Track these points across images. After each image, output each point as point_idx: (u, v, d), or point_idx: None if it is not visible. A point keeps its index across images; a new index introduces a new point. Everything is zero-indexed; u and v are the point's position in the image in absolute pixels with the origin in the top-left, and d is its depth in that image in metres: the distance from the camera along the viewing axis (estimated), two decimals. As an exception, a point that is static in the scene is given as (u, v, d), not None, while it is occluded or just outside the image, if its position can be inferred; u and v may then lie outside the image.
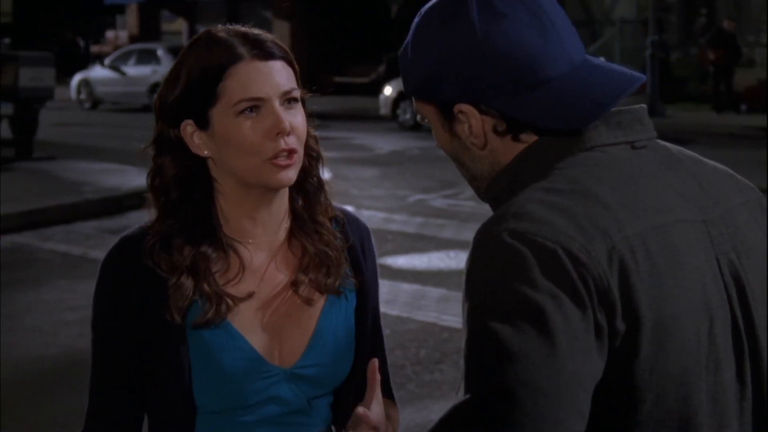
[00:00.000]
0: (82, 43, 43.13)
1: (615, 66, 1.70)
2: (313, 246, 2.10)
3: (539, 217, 1.51)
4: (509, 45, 1.61)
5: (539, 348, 1.44)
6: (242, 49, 1.98)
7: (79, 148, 18.02)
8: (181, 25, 39.29)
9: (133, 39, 37.29)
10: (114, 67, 29.10)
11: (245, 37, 2.01)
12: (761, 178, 11.90)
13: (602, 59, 1.74)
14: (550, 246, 1.49)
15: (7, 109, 16.24)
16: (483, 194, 1.72)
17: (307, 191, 2.11)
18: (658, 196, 1.59)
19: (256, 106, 1.97)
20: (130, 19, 39.50)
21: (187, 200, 2.04)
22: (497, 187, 1.67)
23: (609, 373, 1.50)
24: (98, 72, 29.54)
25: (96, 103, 29.42)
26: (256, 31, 2.04)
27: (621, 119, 1.65)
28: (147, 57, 28.76)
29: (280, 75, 2.00)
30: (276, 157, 1.98)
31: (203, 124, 2.01)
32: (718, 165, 1.77)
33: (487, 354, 1.47)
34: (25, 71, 16.12)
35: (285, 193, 2.09)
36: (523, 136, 1.64)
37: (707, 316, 1.56)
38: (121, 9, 40.51)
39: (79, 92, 29.68)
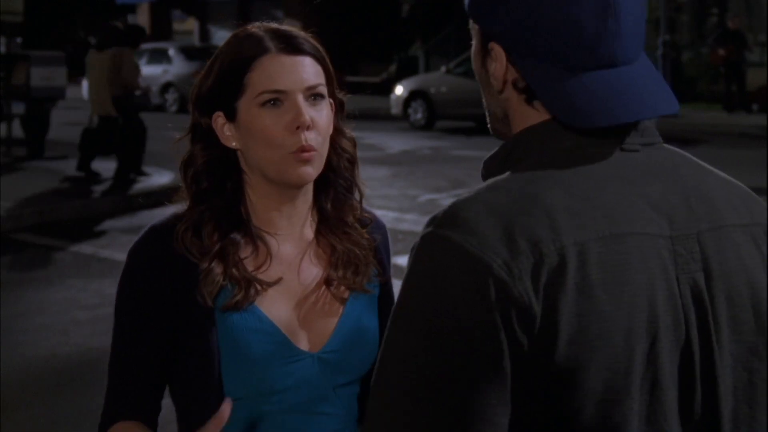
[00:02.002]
0: (93, 42, 43.24)
1: (660, 83, 1.63)
2: (342, 245, 2.15)
3: (472, 226, 1.49)
4: (561, 17, 1.56)
5: (437, 369, 1.46)
6: (270, 43, 2.04)
7: (91, 147, 18.04)
8: (192, 24, 39.34)
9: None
10: (125, 67, 29.14)
11: (276, 33, 2.07)
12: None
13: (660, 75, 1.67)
14: (473, 260, 1.47)
15: (19, 108, 16.27)
16: (484, 165, 1.69)
17: (336, 192, 2.16)
18: (619, 205, 1.53)
19: (278, 99, 2.03)
20: (142, 18, 39.56)
21: (218, 190, 2.09)
22: (489, 171, 1.65)
23: (529, 387, 1.47)
24: (110, 71, 29.58)
25: (107, 102, 29.45)
26: (289, 27, 2.10)
27: None
28: (158, 57, 28.78)
29: (306, 70, 2.05)
30: (298, 151, 2.02)
31: (231, 115, 2.07)
32: (735, 182, 1.69)
33: (393, 367, 1.50)
34: (37, 71, 16.15)
35: (309, 189, 2.13)
36: (537, 104, 1.61)
37: (649, 335, 1.51)
38: (132, 9, 40.59)
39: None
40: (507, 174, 1.57)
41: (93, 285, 8.90)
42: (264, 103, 2.03)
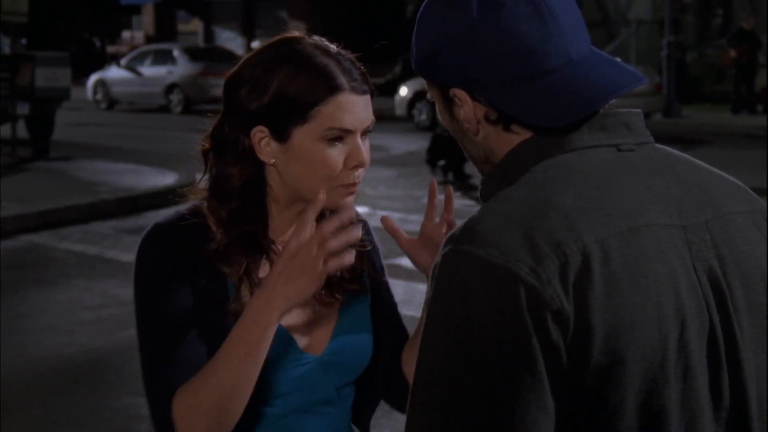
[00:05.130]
0: (98, 43, 43.25)
1: (620, 64, 1.69)
2: None
3: (492, 238, 1.49)
4: (502, 36, 1.61)
5: (475, 392, 1.47)
6: (343, 79, 2.02)
7: (96, 148, 18.07)
8: (196, 25, 39.37)
9: (149, 39, 37.40)
10: (130, 68, 29.16)
11: (342, 65, 2.04)
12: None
13: (617, 59, 1.73)
14: (500, 270, 1.48)
15: (24, 109, 16.28)
16: (482, 186, 1.71)
17: None
18: (630, 200, 1.56)
19: (341, 137, 2.02)
20: (146, 19, 39.61)
21: (248, 208, 2.08)
22: (488, 190, 1.67)
23: (568, 390, 1.48)
24: (114, 72, 29.61)
25: (112, 103, 29.49)
26: (344, 55, 2.07)
27: (606, 122, 1.63)
28: (163, 57, 28.80)
29: (367, 110, 2.06)
30: (349, 185, 2.04)
31: (281, 136, 2.03)
32: (726, 175, 1.73)
33: (430, 387, 1.50)
34: (42, 71, 16.15)
35: None
36: (515, 128, 1.64)
37: (678, 323, 1.53)
38: (137, 9, 40.62)
39: (95, 92, 29.76)
40: (510, 187, 1.58)
41: (98, 286, 8.91)
42: (328, 139, 2.01)
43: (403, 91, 22.87)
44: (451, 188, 2.27)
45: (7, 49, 16.91)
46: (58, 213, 11.99)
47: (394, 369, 2.26)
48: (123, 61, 29.92)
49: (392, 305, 2.30)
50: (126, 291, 8.45)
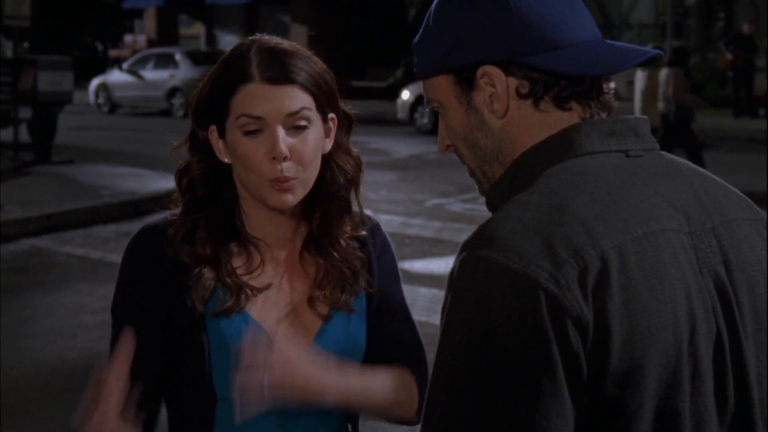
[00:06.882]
0: (100, 47, 43.29)
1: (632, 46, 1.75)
2: (326, 262, 2.16)
3: (511, 244, 1.49)
4: (541, 5, 1.64)
5: (494, 394, 1.46)
6: (256, 71, 2.03)
7: (98, 152, 18.08)
8: (198, 29, 39.38)
9: (151, 43, 37.40)
10: (132, 72, 29.18)
11: (267, 57, 2.05)
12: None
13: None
14: (520, 277, 1.47)
15: (26, 113, 16.29)
16: (489, 194, 1.71)
17: (325, 213, 2.16)
18: (643, 205, 1.57)
19: (258, 129, 2.03)
20: (149, 23, 39.61)
21: (214, 199, 2.12)
22: (497, 196, 1.67)
23: (585, 392, 1.48)
24: (116, 76, 29.64)
25: (114, 107, 29.51)
26: (284, 49, 2.07)
27: (614, 128, 1.64)
28: (165, 61, 28.82)
29: (289, 99, 2.03)
30: (274, 180, 2.04)
31: (222, 134, 2.09)
32: (727, 184, 1.74)
33: (448, 394, 1.49)
34: (44, 75, 16.17)
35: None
36: (542, 105, 1.64)
37: (689, 327, 1.54)
38: (139, 13, 40.64)
39: (97, 96, 29.78)
40: (524, 192, 1.58)
41: (100, 289, 8.91)
42: (245, 132, 2.04)
43: (405, 94, 22.88)
44: None
45: (9, 53, 16.94)
46: (60, 217, 12.00)
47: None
48: (125, 65, 29.94)
49: (404, 309, 2.28)
50: (128, 295, 8.45)
